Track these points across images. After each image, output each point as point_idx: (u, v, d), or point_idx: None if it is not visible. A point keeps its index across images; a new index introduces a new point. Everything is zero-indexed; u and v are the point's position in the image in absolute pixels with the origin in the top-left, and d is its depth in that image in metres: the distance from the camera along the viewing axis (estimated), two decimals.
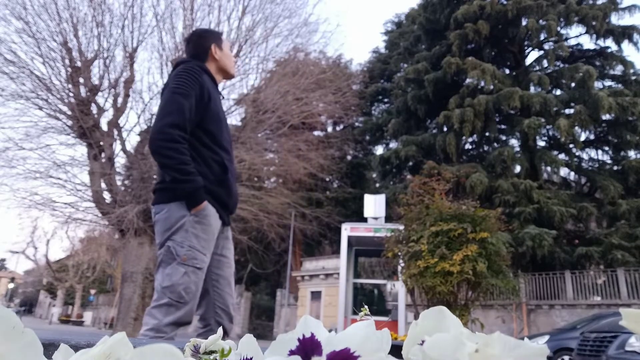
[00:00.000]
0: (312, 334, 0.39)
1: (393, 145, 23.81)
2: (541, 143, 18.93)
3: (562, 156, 18.06)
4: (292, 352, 0.39)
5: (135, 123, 20.23)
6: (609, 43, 19.13)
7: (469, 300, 6.39)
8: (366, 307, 0.61)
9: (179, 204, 1.93)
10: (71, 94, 11.94)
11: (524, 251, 14.41)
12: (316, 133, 23.38)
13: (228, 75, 2.32)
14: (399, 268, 7.27)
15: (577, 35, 19.93)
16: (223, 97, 2.32)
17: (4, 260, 69.81)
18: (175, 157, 1.89)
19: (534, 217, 15.22)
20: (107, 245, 27.77)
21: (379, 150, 26.63)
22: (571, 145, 17.91)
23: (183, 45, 13.09)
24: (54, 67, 11.90)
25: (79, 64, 12.08)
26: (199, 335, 1.93)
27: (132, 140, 27.86)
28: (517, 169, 17.58)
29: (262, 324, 23.34)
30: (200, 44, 2.24)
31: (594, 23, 18.14)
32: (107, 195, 11.92)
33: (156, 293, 1.94)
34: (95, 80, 12.36)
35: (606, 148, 18.76)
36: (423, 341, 0.37)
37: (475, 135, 19.27)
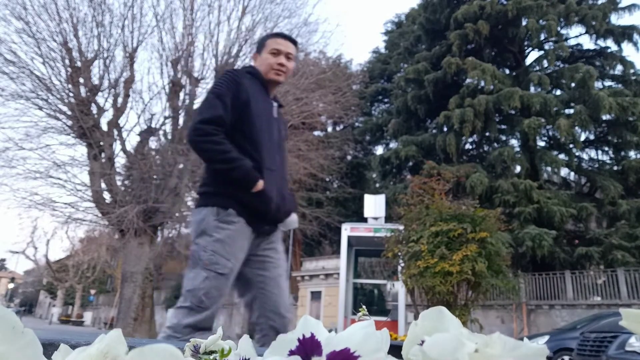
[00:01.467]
0: (312, 334, 0.39)
1: (393, 145, 23.79)
2: (541, 143, 18.93)
3: (562, 156, 18.05)
4: (292, 352, 0.39)
5: (135, 123, 20.24)
6: (609, 43, 19.15)
7: (469, 300, 6.39)
8: (364, 307, 0.61)
9: (209, 209, 1.93)
10: (71, 94, 11.95)
11: (524, 251, 14.42)
12: (316, 133, 23.38)
13: (268, 80, 2.18)
14: (399, 268, 7.28)
15: (577, 35, 19.94)
16: (280, 105, 2.22)
17: (4, 260, 69.84)
18: (214, 148, 1.89)
19: (534, 217, 15.21)
20: (107, 245, 27.79)
21: (379, 150, 26.63)
22: (571, 146, 17.91)
23: (183, 45, 13.12)
24: (54, 67, 11.92)
25: (79, 64, 12.09)
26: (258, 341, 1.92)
27: (132, 140, 27.84)
28: (517, 169, 17.57)
29: None
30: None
31: (594, 23, 18.14)
32: (107, 195, 11.93)
33: (182, 295, 1.95)
34: (95, 80, 12.38)
35: (606, 148, 18.76)
36: (423, 341, 0.37)
37: (475, 136, 19.27)
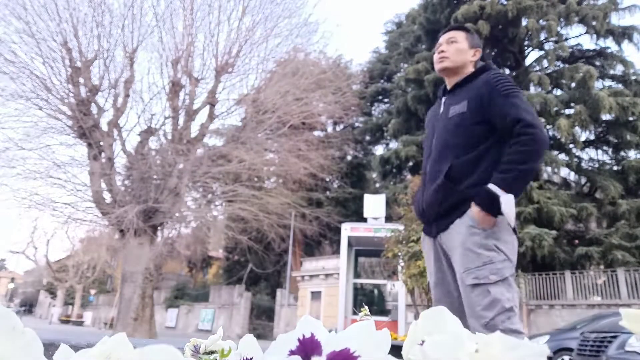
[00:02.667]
0: (312, 334, 0.39)
1: (393, 145, 23.80)
2: None
3: (562, 156, 18.06)
4: (292, 352, 0.39)
5: (135, 123, 20.23)
6: (609, 43, 19.15)
7: None
8: (366, 307, 0.61)
9: None
10: (71, 94, 11.95)
11: (523, 251, 14.41)
12: (316, 133, 23.39)
13: (442, 76, 2.09)
14: (399, 268, 7.27)
15: (578, 36, 19.94)
16: (447, 104, 2.00)
17: (4, 260, 69.83)
18: None
19: (534, 217, 15.22)
20: (107, 246, 27.79)
21: (379, 150, 26.63)
22: (571, 145, 17.91)
23: (183, 45, 13.12)
24: (54, 67, 11.92)
25: (79, 64, 12.09)
26: None
27: (132, 140, 27.85)
28: None
29: (262, 324, 23.34)
30: None
31: (594, 23, 18.14)
32: (107, 196, 11.93)
33: None
34: (95, 81, 12.37)
35: (606, 148, 18.76)
36: (423, 341, 0.37)
37: None
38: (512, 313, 1.65)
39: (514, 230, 1.79)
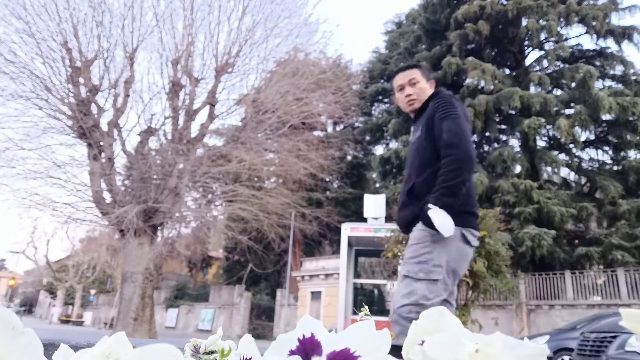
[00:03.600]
0: (312, 334, 0.39)
1: (393, 145, 23.79)
2: (541, 143, 18.93)
3: (562, 156, 18.06)
4: (292, 352, 0.39)
5: (135, 123, 20.24)
6: (610, 43, 19.15)
7: (469, 300, 6.39)
8: (366, 307, 0.61)
9: None
10: (71, 94, 11.94)
11: (523, 251, 14.41)
12: (316, 133, 23.39)
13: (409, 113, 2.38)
14: (399, 268, 7.26)
15: (578, 36, 19.94)
16: (414, 131, 2.32)
17: (4, 260, 69.82)
18: None
19: (534, 217, 15.21)
20: (107, 246, 27.79)
21: (379, 150, 26.62)
22: (571, 146, 17.91)
23: (183, 45, 13.11)
24: (54, 67, 11.90)
25: (79, 64, 12.08)
26: None
27: (132, 141, 27.84)
28: (517, 169, 17.58)
29: (262, 324, 23.34)
30: None
31: (594, 23, 18.14)
32: (107, 196, 11.92)
33: None
34: (95, 81, 12.36)
35: (606, 148, 18.76)
36: (423, 341, 0.37)
37: (475, 136, 19.27)
38: (423, 309, 1.80)
39: (467, 240, 2.02)
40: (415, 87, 2.24)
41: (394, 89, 2.35)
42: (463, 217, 2.00)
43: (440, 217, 1.91)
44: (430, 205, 1.94)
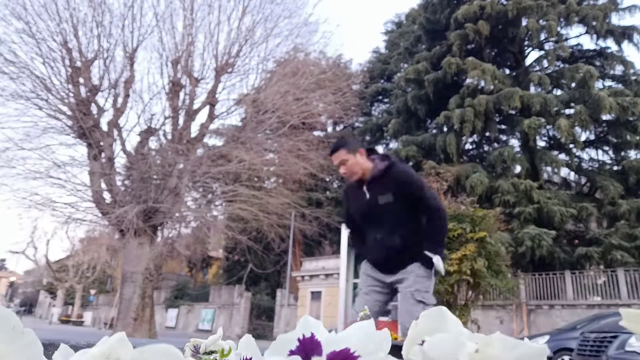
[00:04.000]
0: (312, 334, 0.39)
1: (393, 145, 23.80)
2: (541, 143, 18.93)
3: (562, 156, 18.05)
4: (292, 352, 0.39)
5: (135, 123, 20.22)
6: (610, 43, 19.15)
7: (469, 300, 6.39)
8: (366, 307, 0.61)
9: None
10: (71, 94, 11.94)
11: (523, 251, 14.41)
12: (316, 133, 23.36)
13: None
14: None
15: (578, 36, 19.94)
16: (372, 192, 2.71)
17: (4, 260, 69.81)
18: (349, 240, 3.24)
19: (534, 217, 15.21)
20: (107, 246, 27.79)
21: (379, 150, 26.58)
22: (571, 146, 17.91)
23: (183, 45, 13.11)
24: (54, 67, 11.90)
25: (79, 64, 12.08)
26: None
27: (132, 141, 27.82)
28: (518, 169, 17.58)
29: (262, 324, 23.33)
30: None
31: (594, 23, 18.14)
32: (107, 196, 11.91)
33: None
34: (95, 81, 12.36)
35: (606, 148, 18.76)
36: (423, 341, 0.37)
37: (475, 136, 19.28)
38: None
39: (436, 273, 2.68)
40: (346, 165, 2.68)
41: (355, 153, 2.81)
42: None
43: (440, 262, 2.60)
44: (429, 254, 2.59)
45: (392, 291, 2.73)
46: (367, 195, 2.70)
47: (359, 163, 2.70)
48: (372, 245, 2.73)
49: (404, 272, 2.62)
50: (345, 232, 10.98)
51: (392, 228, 2.65)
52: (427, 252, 2.58)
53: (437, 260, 2.58)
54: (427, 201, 2.67)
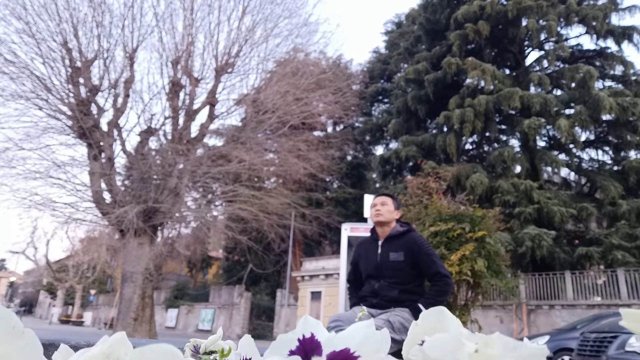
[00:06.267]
0: (312, 334, 0.39)
1: (393, 145, 23.80)
2: (541, 143, 18.93)
3: (562, 156, 18.05)
4: (292, 352, 0.39)
5: (135, 123, 20.24)
6: (609, 43, 19.14)
7: (469, 300, 6.39)
8: (364, 307, 0.61)
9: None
10: (71, 94, 11.94)
11: (523, 251, 14.41)
12: (316, 133, 23.38)
13: (377, 227, 3.06)
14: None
15: (578, 36, 19.94)
16: (384, 249, 3.00)
17: (4, 260, 69.81)
18: (348, 292, 3.25)
19: (534, 217, 15.21)
20: (107, 246, 27.77)
21: (379, 150, 26.61)
22: (571, 146, 17.91)
23: (183, 45, 13.12)
24: (54, 68, 11.90)
25: (79, 64, 12.08)
26: None
27: (132, 141, 27.84)
28: (518, 169, 17.57)
29: (262, 324, 23.33)
30: None
31: (594, 23, 18.14)
32: (107, 196, 11.92)
33: None
34: (95, 81, 12.36)
35: (606, 148, 18.76)
36: (423, 341, 0.37)
37: (475, 136, 19.27)
38: None
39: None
40: (384, 207, 3.01)
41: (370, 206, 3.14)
42: None
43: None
44: (420, 306, 2.78)
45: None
46: (380, 250, 2.98)
47: (392, 214, 3.03)
48: (367, 292, 2.93)
49: (389, 312, 2.81)
50: (345, 232, 10.99)
51: (394, 282, 2.88)
52: (420, 305, 2.77)
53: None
54: (438, 267, 2.89)
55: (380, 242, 3.00)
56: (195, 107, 13.18)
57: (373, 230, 3.12)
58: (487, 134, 19.23)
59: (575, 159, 18.34)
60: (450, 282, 2.89)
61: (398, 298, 2.84)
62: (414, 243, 2.94)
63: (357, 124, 27.41)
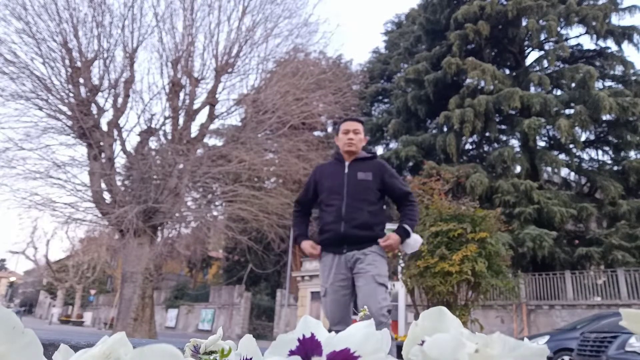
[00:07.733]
0: (312, 334, 0.39)
1: (393, 145, 23.80)
2: (541, 143, 18.93)
3: (562, 156, 18.05)
4: (292, 352, 0.39)
5: (135, 123, 20.23)
6: (609, 43, 19.15)
7: (469, 300, 6.39)
8: (366, 307, 0.61)
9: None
10: (71, 94, 11.94)
11: (524, 252, 14.41)
12: (316, 133, 23.34)
13: (345, 154, 3.02)
14: (399, 268, 7.27)
15: (578, 36, 19.95)
16: (352, 169, 2.97)
17: (4, 260, 69.82)
18: (293, 219, 3.14)
19: (534, 217, 15.21)
20: (107, 246, 27.75)
21: (379, 150, 26.59)
22: (571, 146, 17.91)
23: (183, 45, 13.11)
24: (54, 68, 11.89)
25: (79, 64, 12.08)
26: None
27: (132, 141, 27.82)
28: (518, 169, 17.58)
29: (262, 324, 23.33)
30: None
31: (594, 23, 18.14)
32: (107, 196, 11.91)
33: None
34: (95, 81, 12.35)
35: (606, 148, 18.76)
36: (423, 341, 0.37)
37: (475, 136, 19.27)
38: (389, 310, 2.73)
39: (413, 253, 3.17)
40: (357, 135, 3.00)
41: (340, 131, 3.07)
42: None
43: (419, 241, 2.91)
44: (406, 227, 2.87)
45: (352, 279, 2.80)
46: (347, 170, 2.95)
47: (362, 141, 3.04)
48: (334, 218, 2.83)
49: (362, 252, 2.75)
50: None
51: (361, 200, 2.84)
52: (405, 226, 2.83)
53: (415, 237, 2.85)
54: (407, 188, 3.03)
55: (347, 163, 3.00)
56: (195, 107, 13.18)
57: (338, 154, 3.09)
58: (487, 134, 19.23)
59: (575, 159, 18.34)
60: (414, 199, 3.00)
61: (367, 222, 2.79)
62: (382, 166, 3.00)
63: None
